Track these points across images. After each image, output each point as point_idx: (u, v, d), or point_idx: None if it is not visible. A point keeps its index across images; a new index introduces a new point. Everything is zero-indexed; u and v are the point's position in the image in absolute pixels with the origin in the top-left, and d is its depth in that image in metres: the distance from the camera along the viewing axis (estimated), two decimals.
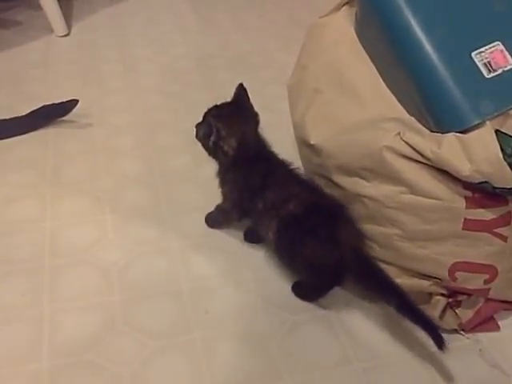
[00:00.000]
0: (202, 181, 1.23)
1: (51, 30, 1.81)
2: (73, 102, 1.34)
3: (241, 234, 1.09)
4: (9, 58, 1.69)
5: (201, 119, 1.00)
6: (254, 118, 0.99)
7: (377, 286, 0.89)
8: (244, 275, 1.02)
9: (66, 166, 1.26)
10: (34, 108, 1.35)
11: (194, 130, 0.99)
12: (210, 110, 0.98)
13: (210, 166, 1.02)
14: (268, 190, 0.93)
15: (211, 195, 1.05)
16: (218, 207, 1.06)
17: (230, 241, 1.09)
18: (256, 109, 1.51)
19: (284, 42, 1.87)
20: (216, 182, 1.02)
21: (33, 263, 1.02)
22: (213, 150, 0.96)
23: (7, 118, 1.35)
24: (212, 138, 0.94)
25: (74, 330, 0.90)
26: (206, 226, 1.11)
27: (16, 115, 1.36)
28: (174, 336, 0.90)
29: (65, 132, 1.37)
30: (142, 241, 1.08)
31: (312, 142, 1.00)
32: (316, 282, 0.94)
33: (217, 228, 1.10)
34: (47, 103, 1.36)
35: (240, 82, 1.01)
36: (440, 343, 0.82)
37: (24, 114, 1.35)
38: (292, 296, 0.97)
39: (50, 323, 0.91)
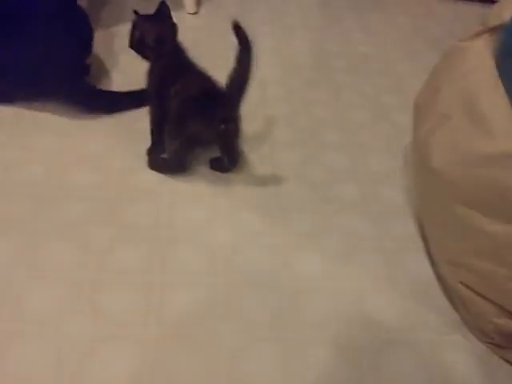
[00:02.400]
0: (310, 180, 1.27)
1: (182, 6, 1.89)
2: None
3: (344, 240, 1.13)
4: None
5: None
6: (173, 26, 1.21)
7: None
8: (344, 283, 1.05)
9: None
10: None
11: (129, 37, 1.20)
12: (136, 18, 1.20)
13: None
14: (179, 80, 1.18)
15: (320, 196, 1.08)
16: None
17: (333, 245, 1.12)
18: (369, 116, 1.53)
19: (405, 50, 1.85)
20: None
21: (151, 232, 1.10)
22: (138, 47, 1.19)
23: (124, 91, 1.44)
24: (137, 34, 1.18)
25: (179, 305, 0.97)
26: (314, 225, 1.16)
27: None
28: (270, 329, 0.95)
29: None
30: (252, 230, 1.13)
31: (434, 165, 1.00)
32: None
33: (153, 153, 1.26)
34: None
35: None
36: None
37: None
38: (389, 314, 1.00)
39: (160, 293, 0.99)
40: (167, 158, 1.24)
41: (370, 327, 0.98)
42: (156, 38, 1.18)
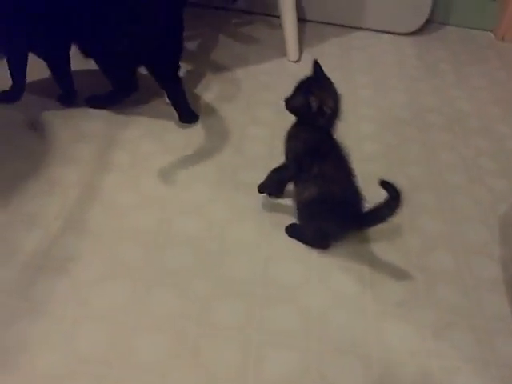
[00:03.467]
0: (404, 245, 1.28)
1: (284, 54, 1.95)
2: None
3: (437, 313, 1.14)
4: (244, 76, 1.86)
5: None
6: (335, 88, 1.19)
7: None
8: (432, 361, 1.06)
9: (286, 197, 1.36)
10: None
11: (284, 102, 1.19)
12: (301, 83, 1.19)
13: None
14: (327, 160, 1.17)
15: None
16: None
17: (425, 318, 1.13)
18: (465, 179, 1.51)
19: (507, 108, 1.83)
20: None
21: (247, 288, 1.15)
22: (312, 115, 1.15)
23: None
24: (314, 105, 1.14)
25: (276, 366, 1.02)
26: (407, 295, 1.17)
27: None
28: None
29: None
30: (344, 293, 1.16)
31: None
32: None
33: (265, 191, 1.31)
34: None
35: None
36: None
37: None
38: None
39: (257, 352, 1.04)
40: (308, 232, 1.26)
41: None
42: (333, 107, 1.16)
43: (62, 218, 1.25)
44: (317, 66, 1.21)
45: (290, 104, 1.19)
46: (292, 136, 1.22)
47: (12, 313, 1.05)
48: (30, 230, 1.21)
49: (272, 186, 1.32)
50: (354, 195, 1.19)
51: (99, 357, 0.99)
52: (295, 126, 1.22)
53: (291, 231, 1.28)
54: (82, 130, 1.51)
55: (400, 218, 1.35)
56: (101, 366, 0.98)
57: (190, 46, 1.95)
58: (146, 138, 1.52)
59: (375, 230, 1.30)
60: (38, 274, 1.12)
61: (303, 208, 1.22)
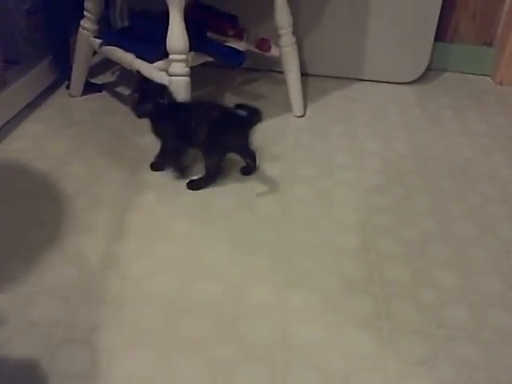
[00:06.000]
0: (419, 299, 1.29)
1: (289, 109, 2.01)
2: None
3: (456, 369, 1.14)
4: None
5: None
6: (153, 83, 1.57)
7: None
8: None
9: (298, 255, 1.40)
10: None
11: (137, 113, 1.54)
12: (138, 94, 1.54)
13: None
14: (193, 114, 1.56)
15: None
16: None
17: (445, 375, 1.13)
18: (474, 228, 1.54)
19: (508, 153, 1.86)
20: None
21: (267, 352, 1.16)
22: (161, 108, 1.53)
23: None
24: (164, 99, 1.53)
25: None
26: (425, 351, 1.17)
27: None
28: None
29: (297, 221, 1.53)
30: (363, 352, 1.17)
31: None
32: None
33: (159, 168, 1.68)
34: None
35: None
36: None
37: None
38: None
39: None
40: (210, 171, 1.62)
41: None
42: (165, 94, 1.54)
43: (81, 288, 1.27)
44: (139, 75, 1.56)
45: (141, 112, 1.52)
46: (159, 129, 1.58)
47: None
48: (51, 301, 1.23)
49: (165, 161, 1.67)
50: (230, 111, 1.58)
51: None
52: (156, 124, 1.57)
53: (192, 185, 1.61)
54: (95, 198, 1.56)
55: (414, 271, 1.38)
56: None
57: None
58: (161, 202, 1.56)
59: (388, 284, 1.32)
60: (60, 346, 1.14)
61: (206, 151, 1.59)
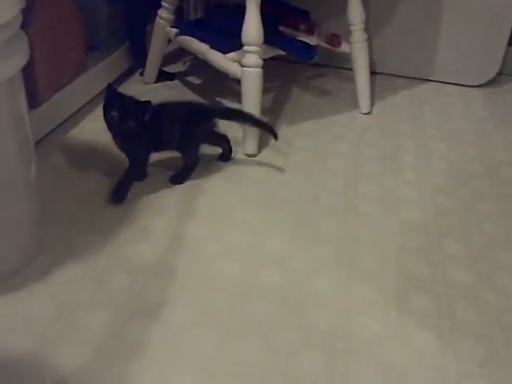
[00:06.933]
0: (483, 303, 1.29)
1: (356, 106, 2.02)
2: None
3: None
4: (317, 128, 1.94)
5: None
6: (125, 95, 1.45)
7: None
8: None
9: (361, 251, 1.42)
10: None
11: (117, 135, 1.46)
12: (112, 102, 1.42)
13: None
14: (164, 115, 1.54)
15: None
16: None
17: (507, 380, 1.13)
18: None
19: None
20: None
21: (328, 341, 1.18)
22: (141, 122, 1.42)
23: None
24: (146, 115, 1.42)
25: None
26: (487, 355, 1.17)
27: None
28: None
29: (361, 217, 1.54)
30: (424, 350, 1.17)
31: None
32: None
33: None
34: None
35: None
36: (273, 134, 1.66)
37: None
38: None
39: None
40: (191, 163, 1.62)
41: None
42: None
43: (152, 263, 1.33)
44: (110, 88, 1.43)
45: (124, 132, 1.42)
46: (132, 145, 1.49)
47: (110, 353, 1.12)
48: (122, 273, 1.30)
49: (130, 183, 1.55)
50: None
51: None
52: (129, 140, 1.48)
53: (176, 180, 1.61)
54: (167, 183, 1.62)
55: (477, 274, 1.37)
56: None
57: (265, 99, 2.04)
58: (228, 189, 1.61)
59: (451, 285, 1.32)
60: (131, 316, 1.20)
61: (184, 148, 1.59)
